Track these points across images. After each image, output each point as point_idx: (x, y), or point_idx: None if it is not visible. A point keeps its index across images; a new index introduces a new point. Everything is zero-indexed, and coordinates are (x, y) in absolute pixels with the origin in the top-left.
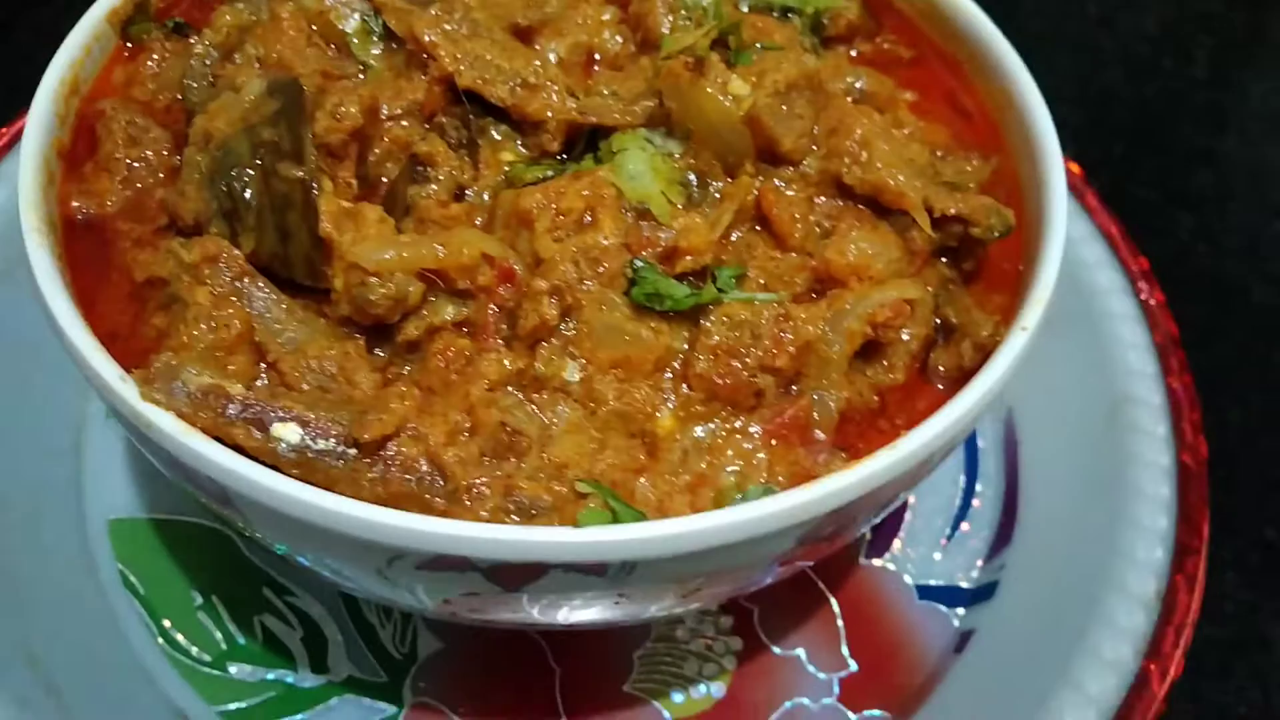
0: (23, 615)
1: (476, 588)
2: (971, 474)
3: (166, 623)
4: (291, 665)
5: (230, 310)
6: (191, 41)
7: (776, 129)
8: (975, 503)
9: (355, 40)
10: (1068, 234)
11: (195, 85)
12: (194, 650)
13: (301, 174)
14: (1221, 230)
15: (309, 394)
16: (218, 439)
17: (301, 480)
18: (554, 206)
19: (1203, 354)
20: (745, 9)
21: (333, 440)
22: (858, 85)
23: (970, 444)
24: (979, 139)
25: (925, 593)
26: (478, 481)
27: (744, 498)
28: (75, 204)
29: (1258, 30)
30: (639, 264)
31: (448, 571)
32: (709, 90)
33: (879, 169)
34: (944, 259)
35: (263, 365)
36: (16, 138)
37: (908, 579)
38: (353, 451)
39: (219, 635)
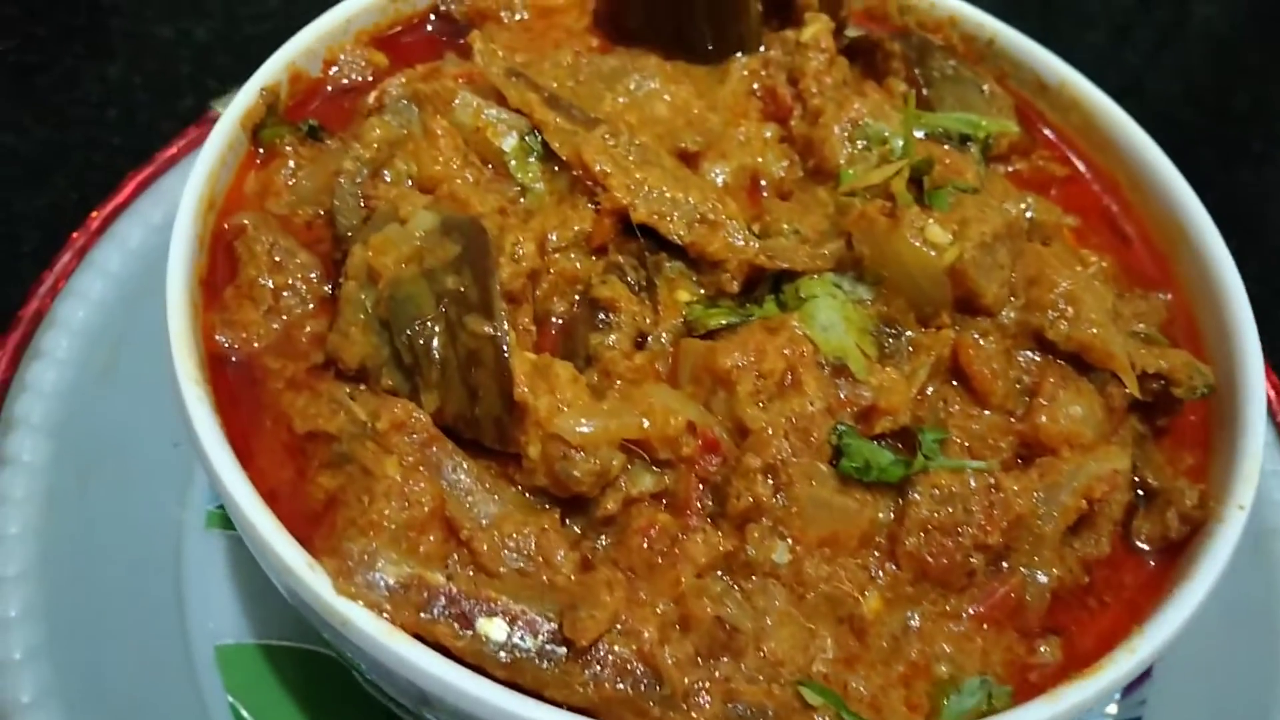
0: None
1: None
2: None
3: None
4: None
5: (421, 484)
6: (329, 145)
7: (981, 282)
8: None
9: (513, 160)
10: None
11: (344, 206)
12: None
13: (491, 330)
14: None
15: (509, 580)
16: (417, 635)
17: (509, 683)
18: (755, 368)
19: None
20: (920, 135)
21: (541, 638)
22: (1029, 214)
23: None
24: (1143, 267)
25: None
26: (696, 686)
27: (960, 693)
28: (219, 338)
29: None
30: (842, 429)
31: None
32: (910, 239)
33: (1086, 328)
34: (1134, 413)
35: (454, 542)
36: (112, 217)
37: None
38: (562, 650)
39: None
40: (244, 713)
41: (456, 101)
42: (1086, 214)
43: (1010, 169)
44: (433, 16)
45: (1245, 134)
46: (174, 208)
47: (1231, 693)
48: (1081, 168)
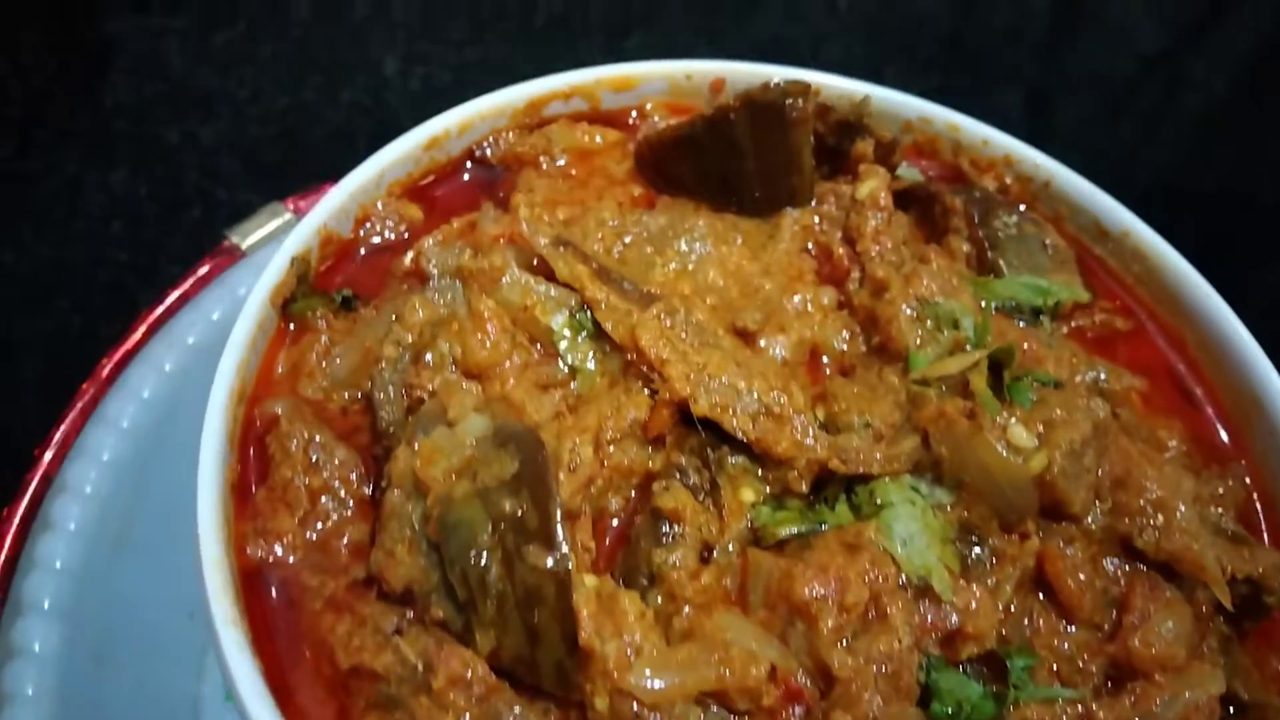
0: None
1: None
2: None
3: None
4: None
5: None
6: (364, 314)
7: (1070, 492)
8: None
9: (563, 340)
10: None
11: (385, 398)
12: None
13: (554, 563)
14: None
15: None
16: None
17: None
18: (838, 600)
19: None
20: (993, 308)
21: None
22: (1100, 382)
23: None
24: (1213, 435)
25: None
26: None
27: None
28: (251, 550)
29: None
30: (931, 662)
31: None
32: (995, 446)
33: (1178, 539)
34: (1219, 613)
35: None
36: (123, 364)
37: None
38: None
39: None
40: None
41: (505, 280)
42: (1153, 373)
43: (1073, 324)
44: (468, 163)
45: (1275, 228)
46: (186, 353)
47: None
48: (1144, 319)
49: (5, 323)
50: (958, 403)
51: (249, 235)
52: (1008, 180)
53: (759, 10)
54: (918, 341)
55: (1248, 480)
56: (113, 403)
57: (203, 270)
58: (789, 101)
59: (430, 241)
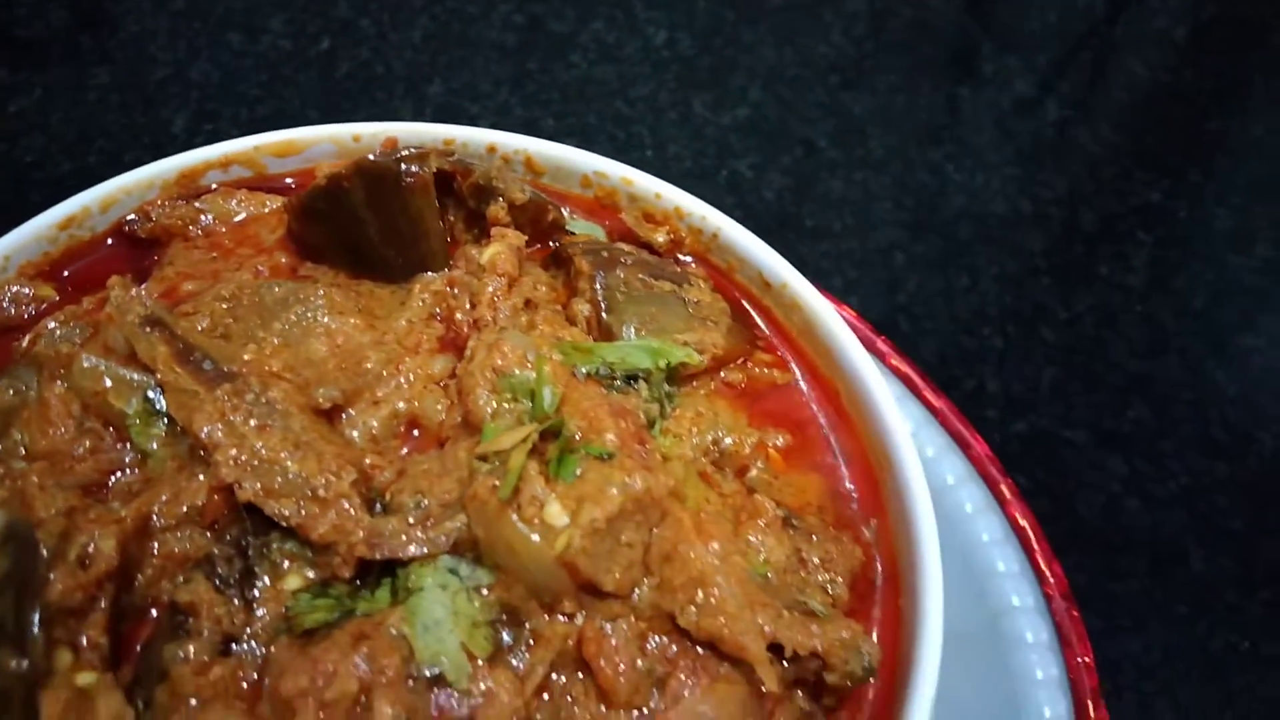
0: None
1: None
2: None
3: None
4: None
5: None
6: None
7: (594, 572)
8: None
9: (136, 423)
10: (979, 535)
11: None
12: None
13: (16, 665)
14: (1157, 478)
15: None
16: None
17: None
18: (317, 696)
19: (1135, 639)
20: (583, 373)
21: None
22: (721, 444)
23: None
24: (848, 491)
25: None
26: None
27: None
28: None
29: (1202, 223)
30: None
31: None
32: (518, 526)
33: (716, 618)
34: (800, 691)
35: None
36: None
37: None
38: None
39: None
40: None
41: (77, 365)
42: (804, 428)
43: (721, 377)
44: (111, 239)
45: (1089, 258)
46: None
47: None
48: (802, 373)
49: None
50: (489, 481)
51: None
52: (683, 233)
53: (573, 51)
54: (490, 415)
55: (871, 536)
56: None
57: None
58: (404, 168)
59: (52, 323)
